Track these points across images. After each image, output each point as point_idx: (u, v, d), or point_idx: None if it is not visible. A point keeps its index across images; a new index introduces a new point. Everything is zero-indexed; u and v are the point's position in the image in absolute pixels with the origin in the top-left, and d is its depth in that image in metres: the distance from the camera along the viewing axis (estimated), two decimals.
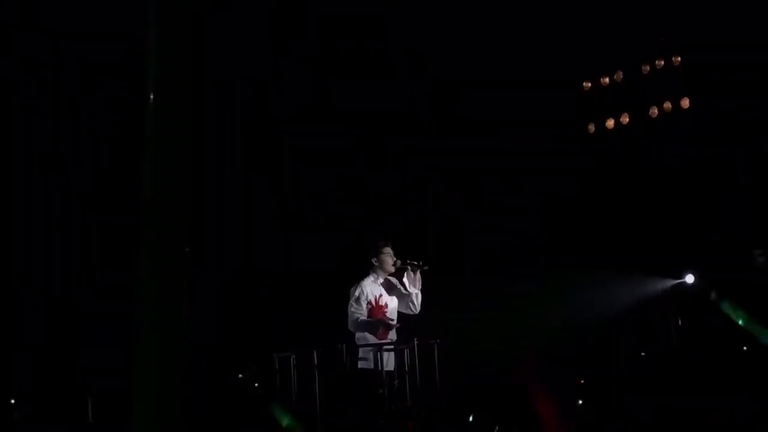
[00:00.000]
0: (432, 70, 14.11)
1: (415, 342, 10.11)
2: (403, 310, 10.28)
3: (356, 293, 10.06)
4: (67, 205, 14.53)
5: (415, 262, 10.18)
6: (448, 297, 11.80)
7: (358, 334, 10.08)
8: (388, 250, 10.20)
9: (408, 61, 14.10)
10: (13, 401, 13.14)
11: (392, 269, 10.20)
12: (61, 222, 14.59)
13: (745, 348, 12.60)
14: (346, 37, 14.23)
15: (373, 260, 10.18)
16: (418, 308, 10.20)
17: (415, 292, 10.18)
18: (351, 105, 14.21)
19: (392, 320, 10.11)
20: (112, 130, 14.43)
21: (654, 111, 13.47)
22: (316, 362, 10.39)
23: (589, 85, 13.90)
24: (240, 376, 11.86)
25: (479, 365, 12.13)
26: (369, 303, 10.07)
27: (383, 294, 10.18)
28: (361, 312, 10.01)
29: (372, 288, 10.15)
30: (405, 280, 10.22)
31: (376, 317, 10.04)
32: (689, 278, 13.95)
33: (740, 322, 12.54)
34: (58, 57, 14.02)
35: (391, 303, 10.21)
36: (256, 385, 11.65)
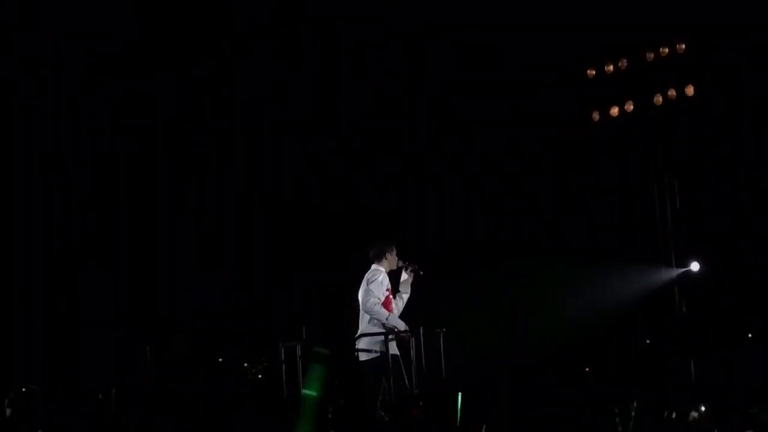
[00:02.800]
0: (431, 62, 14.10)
1: (421, 330, 9.99)
2: None
3: (379, 278, 9.95)
4: (67, 205, 14.53)
5: (416, 266, 10.15)
6: (455, 287, 11.73)
7: (371, 321, 9.94)
8: (395, 250, 10.19)
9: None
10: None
11: (395, 267, 10.18)
12: (61, 222, 14.57)
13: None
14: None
15: (384, 256, 10.12)
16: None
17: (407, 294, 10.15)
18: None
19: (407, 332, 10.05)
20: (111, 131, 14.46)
21: (658, 99, 13.43)
22: None
23: (593, 72, 13.84)
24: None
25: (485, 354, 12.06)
26: (388, 290, 10.03)
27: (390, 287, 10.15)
28: (380, 297, 9.92)
29: (386, 279, 10.10)
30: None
31: (394, 322, 9.96)
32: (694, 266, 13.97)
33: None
34: (58, 57, 14.00)
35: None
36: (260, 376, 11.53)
